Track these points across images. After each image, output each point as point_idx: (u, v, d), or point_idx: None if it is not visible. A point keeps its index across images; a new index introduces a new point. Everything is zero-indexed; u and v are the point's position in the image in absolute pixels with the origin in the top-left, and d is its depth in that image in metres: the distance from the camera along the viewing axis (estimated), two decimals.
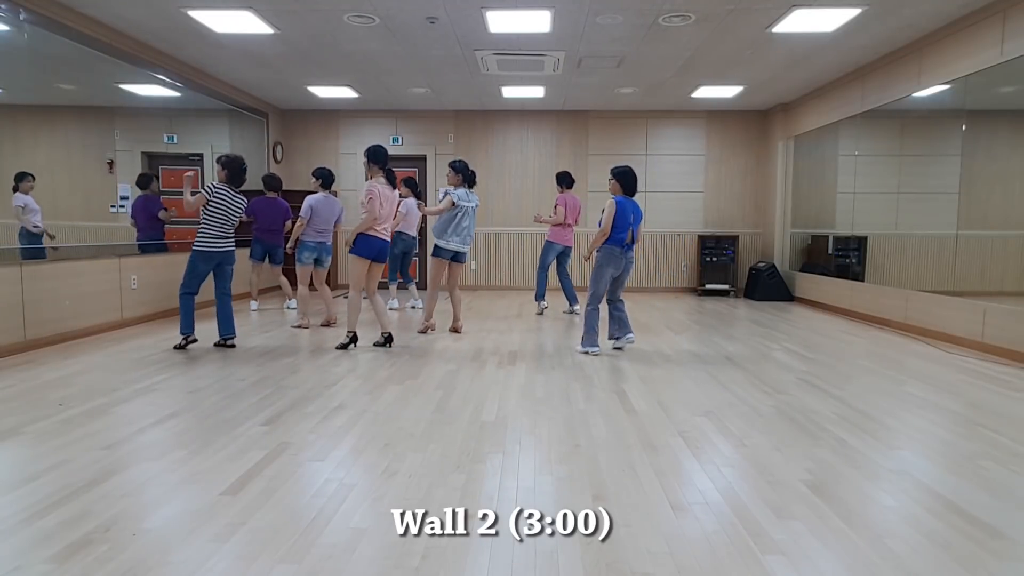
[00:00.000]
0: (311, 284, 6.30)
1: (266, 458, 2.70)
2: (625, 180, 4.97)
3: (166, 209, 6.53)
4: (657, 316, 7.18)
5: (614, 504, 2.29)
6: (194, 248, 4.86)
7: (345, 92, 8.46)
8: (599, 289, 4.95)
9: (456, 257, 5.70)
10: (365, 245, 4.95)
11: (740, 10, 5.29)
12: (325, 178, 6.12)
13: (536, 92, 8.39)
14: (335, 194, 6.68)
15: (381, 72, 7.41)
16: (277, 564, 1.87)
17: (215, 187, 4.84)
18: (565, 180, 7.06)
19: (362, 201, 4.97)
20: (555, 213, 6.93)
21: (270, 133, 9.29)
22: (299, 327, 6.01)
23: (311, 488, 2.40)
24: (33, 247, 4.99)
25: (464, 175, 5.70)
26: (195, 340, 5.05)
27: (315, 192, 6.08)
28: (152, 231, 6.38)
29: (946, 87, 5.71)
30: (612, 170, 5.03)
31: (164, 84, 6.70)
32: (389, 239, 5.12)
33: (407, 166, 9.84)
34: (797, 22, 5.53)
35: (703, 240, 9.41)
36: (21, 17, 4.84)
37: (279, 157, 9.59)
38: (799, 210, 8.74)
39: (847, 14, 5.34)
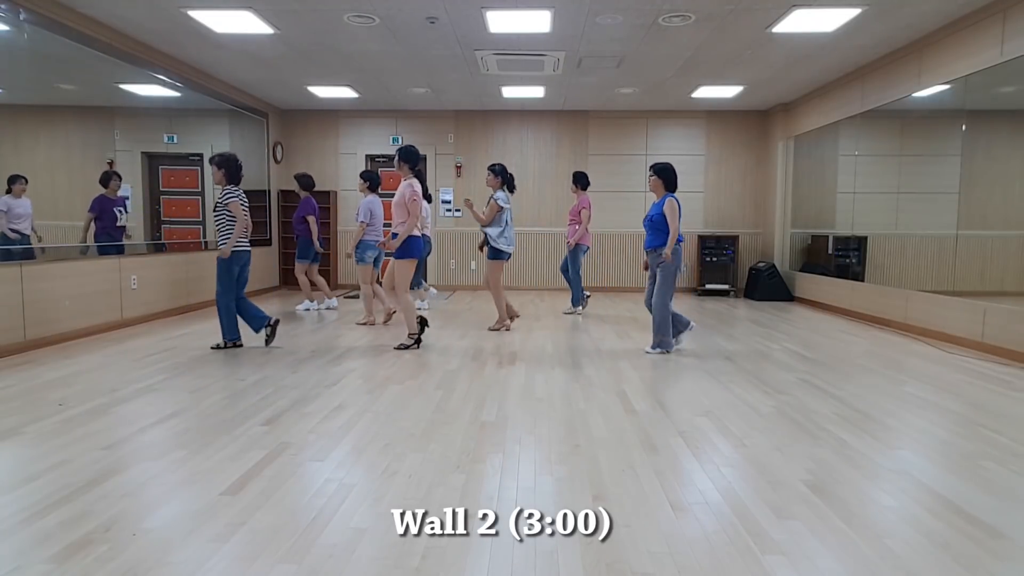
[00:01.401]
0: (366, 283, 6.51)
1: (266, 458, 2.70)
2: (667, 175, 4.92)
3: (122, 212, 6.09)
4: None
5: (614, 504, 2.29)
6: (233, 251, 4.85)
7: (345, 92, 8.46)
8: (672, 292, 4.93)
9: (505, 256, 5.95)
10: (414, 246, 5.02)
11: (740, 10, 5.29)
12: (373, 180, 6.40)
13: (536, 92, 8.39)
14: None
15: (381, 72, 7.41)
16: (277, 564, 1.87)
17: (237, 192, 4.84)
18: (583, 180, 7.17)
19: (403, 201, 4.95)
20: (582, 216, 6.96)
21: (270, 133, 9.29)
22: (364, 324, 6.30)
23: (311, 488, 2.40)
24: (10, 247, 4.84)
25: (503, 178, 5.89)
26: (240, 344, 5.06)
27: (365, 195, 6.36)
28: (112, 231, 5.93)
29: (946, 87, 5.71)
30: (653, 167, 4.96)
31: (164, 84, 6.70)
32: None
33: None
34: (797, 22, 5.53)
35: (703, 240, 9.41)
36: (21, 17, 4.84)
37: (279, 157, 9.59)
38: (799, 210, 8.74)
39: (847, 14, 5.34)
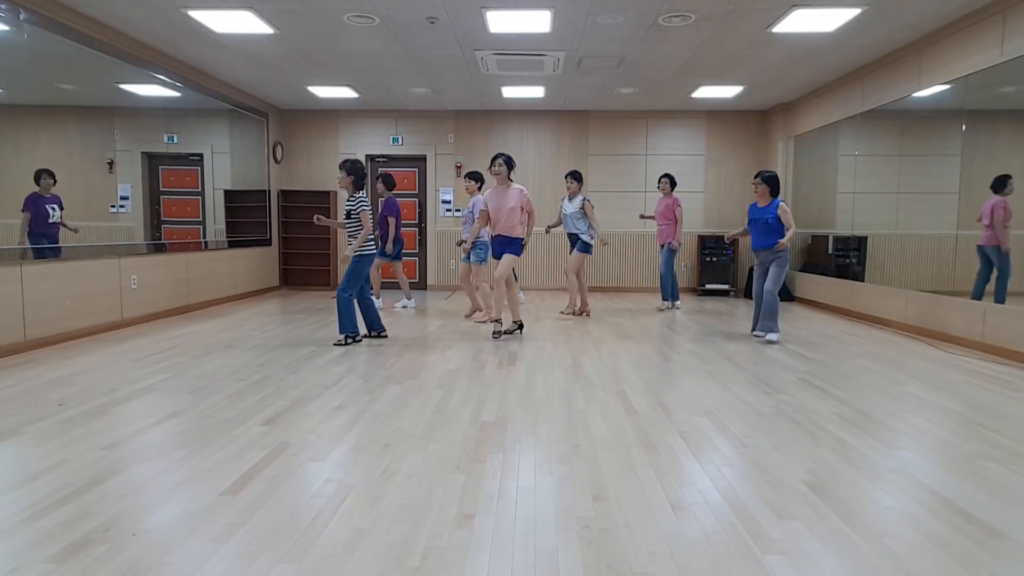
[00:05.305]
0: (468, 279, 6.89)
1: (266, 458, 2.70)
2: (774, 183, 5.54)
3: (55, 210, 5.38)
4: (657, 316, 7.18)
5: (614, 504, 2.29)
6: (363, 254, 5.16)
7: (345, 92, 8.46)
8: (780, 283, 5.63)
9: (586, 249, 6.82)
10: (487, 248, 5.96)
11: (740, 10, 5.29)
12: (482, 180, 6.75)
13: (536, 92, 8.39)
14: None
15: (381, 72, 7.41)
16: (277, 564, 1.87)
17: (363, 197, 5.15)
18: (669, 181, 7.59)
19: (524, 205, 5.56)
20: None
21: (270, 133, 9.29)
22: (487, 320, 6.61)
23: (311, 488, 2.40)
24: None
25: (580, 182, 6.82)
26: (361, 338, 5.35)
27: (476, 195, 6.67)
28: (45, 231, 5.22)
29: (946, 87, 5.71)
30: (762, 175, 5.56)
31: (164, 84, 6.70)
32: (517, 236, 5.54)
33: (407, 167, 9.85)
34: (797, 22, 5.53)
35: (703, 240, 9.41)
36: (21, 17, 4.84)
37: (279, 157, 9.59)
38: (799, 210, 8.74)
39: (847, 14, 5.34)
